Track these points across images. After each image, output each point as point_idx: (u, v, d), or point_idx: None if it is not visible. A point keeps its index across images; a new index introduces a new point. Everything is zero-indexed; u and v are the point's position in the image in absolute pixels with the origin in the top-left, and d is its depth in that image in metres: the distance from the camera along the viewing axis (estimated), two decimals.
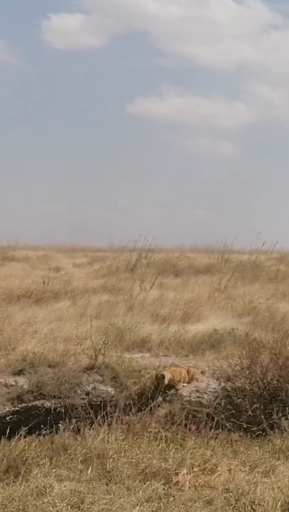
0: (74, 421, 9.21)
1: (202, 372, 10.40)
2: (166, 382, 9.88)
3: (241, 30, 53.03)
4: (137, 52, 55.66)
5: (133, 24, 58.29)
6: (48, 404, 9.56)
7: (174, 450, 8.56)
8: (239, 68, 54.58)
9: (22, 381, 9.73)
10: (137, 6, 51.81)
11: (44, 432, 9.14)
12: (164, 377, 9.89)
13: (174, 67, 53.02)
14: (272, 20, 53.53)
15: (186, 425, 9.38)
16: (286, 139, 51.91)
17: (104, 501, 7.33)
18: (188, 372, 10.21)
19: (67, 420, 9.23)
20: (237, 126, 51.74)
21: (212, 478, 7.91)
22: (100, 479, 7.88)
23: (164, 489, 7.62)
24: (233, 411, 9.57)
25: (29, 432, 9.09)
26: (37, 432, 9.15)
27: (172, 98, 53.23)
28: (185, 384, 10.09)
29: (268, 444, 8.99)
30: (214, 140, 54.91)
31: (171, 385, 9.96)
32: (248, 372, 9.97)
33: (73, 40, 52.77)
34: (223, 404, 9.72)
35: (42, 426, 9.21)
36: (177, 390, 9.99)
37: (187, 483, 7.78)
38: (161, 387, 9.86)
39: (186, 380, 10.12)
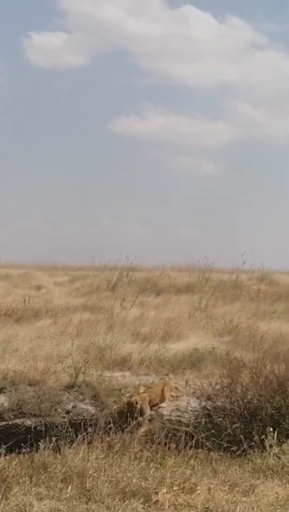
0: (54, 439, 9.17)
1: (178, 391, 10.40)
2: (138, 407, 9.82)
3: (223, 48, 53.23)
4: (119, 71, 55.93)
5: (115, 43, 58.56)
6: (29, 422, 9.53)
7: (153, 469, 8.55)
8: (221, 87, 54.86)
9: (2, 399, 9.70)
10: (119, 24, 52.02)
11: (24, 451, 9.11)
12: (136, 402, 9.84)
13: (155, 85, 53.27)
14: (255, 40, 53.80)
15: (165, 444, 9.37)
16: (268, 158, 52.22)
17: None
18: (163, 390, 10.19)
19: (48, 439, 9.19)
20: (219, 145, 51.99)
21: (192, 497, 7.90)
22: (80, 498, 7.86)
23: (143, 508, 7.62)
24: (213, 430, 9.57)
25: (9, 451, 9.07)
26: (17, 451, 9.13)
27: (154, 117, 53.47)
28: (164, 405, 10.08)
29: (247, 463, 8.99)
30: (197, 158, 55.08)
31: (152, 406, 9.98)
32: (228, 391, 9.99)
33: (56, 58, 53.00)
34: (203, 423, 9.72)
35: (22, 444, 9.17)
36: (158, 407, 10.00)
37: (167, 502, 7.76)
38: (135, 414, 9.80)
39: (158, 400, 10.10)
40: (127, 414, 9.72)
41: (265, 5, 54.93)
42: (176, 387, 10.46)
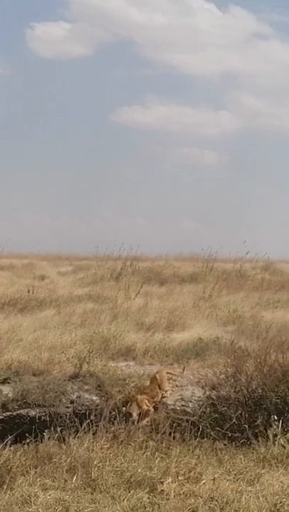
0: (59, 429, 9.15)
1: (175, 375, 10.37)
2: (135, 416, 9.77)
3: (226, 39, 53.21)
4: (122, 61, 55.88)
5: (119, 33, 58.38)
6: (33, 412, 9.51)
7: (159, 459, 8.54)
8: (224, 77, 54.78)
9: (7, 390, 9.69)
10: (123, 14, 51.89)
11: (29, 441, 9.08)
12: (131, 415, 9.76)
13: (158, 75, 53.17)
14: (258, 30, 53.71)
15: (170, 434, 9.36)
16: (271, 148, 52.18)
17: (89, 510, 7.33)
18: (158, 386, 10.14)
19: (52, 429, 9.17)
20: (222, 136, 51.95)
21: (197, 486, 7.89)
22: (85, 488, 7.86)
23: (148, 498, 7.61)
24: (218, 419, 9.57)
25: (14, 441, 9.04)
26: (22, 441, 9.11)
27: (157, 107, 53.39)
28: (168, 394, 10.05)
29: (252, 452, 8.98)
30: (199, 149, 55.05)
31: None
32: (232, 380, 9.98)
33: (59, 49, 52.90)
34: (207, 412, 9.71)
35: (27, 435, 9.15)
36: (163, 397, 9.99)
37: (172, 491, 7.76)
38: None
39: (159, 396, 10.05)
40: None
41: None
42: (169, 373, 10.38)
